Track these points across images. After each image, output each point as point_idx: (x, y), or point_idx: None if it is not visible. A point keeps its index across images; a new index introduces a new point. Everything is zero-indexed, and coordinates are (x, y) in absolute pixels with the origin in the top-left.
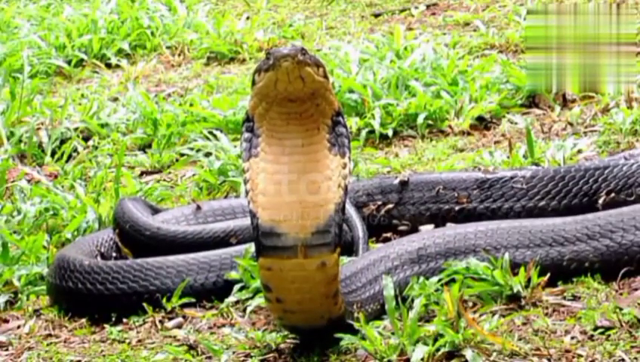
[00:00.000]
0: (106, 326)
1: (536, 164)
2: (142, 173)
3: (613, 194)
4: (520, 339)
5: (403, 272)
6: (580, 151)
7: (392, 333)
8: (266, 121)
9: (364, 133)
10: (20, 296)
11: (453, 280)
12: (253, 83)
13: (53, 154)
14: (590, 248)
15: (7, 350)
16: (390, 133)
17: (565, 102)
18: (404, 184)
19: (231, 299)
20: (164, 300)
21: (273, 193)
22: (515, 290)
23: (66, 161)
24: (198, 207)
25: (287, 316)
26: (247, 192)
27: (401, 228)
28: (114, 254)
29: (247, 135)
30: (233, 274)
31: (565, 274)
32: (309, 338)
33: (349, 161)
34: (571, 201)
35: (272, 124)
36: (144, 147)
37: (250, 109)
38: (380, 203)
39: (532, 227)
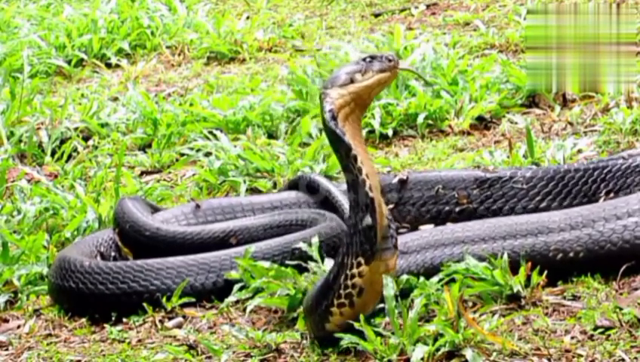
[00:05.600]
0: (106, 325)
1: (536, 164)
2: (142, 173)
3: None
4: (520, 339)
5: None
6: (580, 151)
7: (392, 333)
8: (348, 122)
9: (364, 132)
10: (20, 295)
11: (453, 280)
12: (351, 81)
13: (53, 154)
14: (573, 237)
15: (7, 350)
16: (390, 132)
17: (565, 102)
18: (403, 183)
19: (231, 298)
20: (164, 300)
21: (376, 196)
22: (515, 290)
23: (66, 161)
24: (197, 206)
25: (349, 319)
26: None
27: (401, 230)
28: (113, 254)
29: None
30: (233, 274)
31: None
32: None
33: None
34: (572, 202)
35: (352, 127)
36: (144, 147)
37: (337, 107)
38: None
39: (517, 219)
